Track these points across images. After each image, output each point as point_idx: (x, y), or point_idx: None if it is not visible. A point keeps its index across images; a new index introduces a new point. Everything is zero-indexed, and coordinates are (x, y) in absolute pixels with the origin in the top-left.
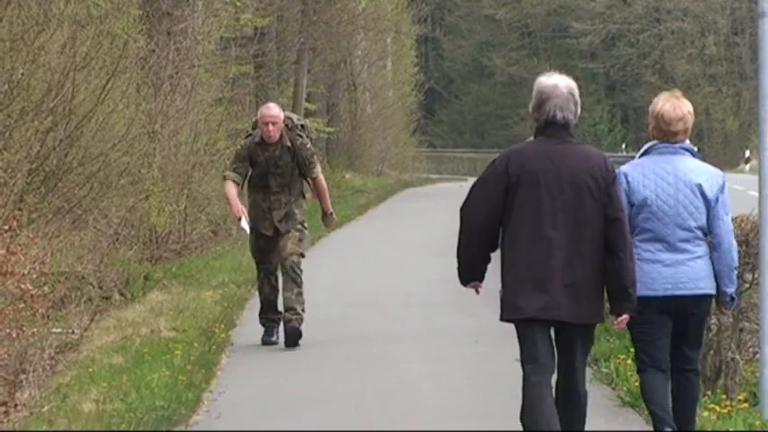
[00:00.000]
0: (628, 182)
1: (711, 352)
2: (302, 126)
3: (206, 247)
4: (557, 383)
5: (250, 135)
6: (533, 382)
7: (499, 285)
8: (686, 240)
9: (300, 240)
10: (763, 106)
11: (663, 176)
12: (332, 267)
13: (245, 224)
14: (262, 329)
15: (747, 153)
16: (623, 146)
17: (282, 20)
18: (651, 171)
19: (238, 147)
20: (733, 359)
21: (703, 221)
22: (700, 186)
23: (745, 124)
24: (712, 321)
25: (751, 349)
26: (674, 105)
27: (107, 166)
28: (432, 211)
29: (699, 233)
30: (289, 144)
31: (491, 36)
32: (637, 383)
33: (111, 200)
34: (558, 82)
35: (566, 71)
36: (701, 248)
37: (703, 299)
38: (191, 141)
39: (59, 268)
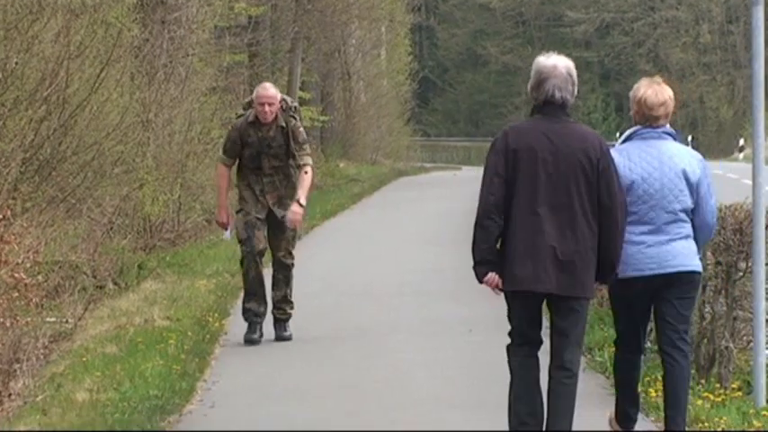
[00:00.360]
0: (622, 162)
1: (705, 340)
2: (295, 108)
3: (200, 236)
4: (550, 361)
5: (242, 115)
6: (520, 357)
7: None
8: (670, 222)
9: (293, 238)
10: (756, 95)
11: (648, 161)
12: (326, 256)
13: (227, 234)
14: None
15: (741, 141)
16: (617, 134)
17: (276, 9)
18: (637, 156)
19: (230, 127)
20: (727, 348)
21: (687, 204)
22: (684, 170)
23: (739, 113)
24: (706, 310)
25: (745, 338)
26: (655, 91)
27: (101, 155)
28: (426, 200)
29: (683, 215)
30: (283, 124)
31: (485, 25)
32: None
33: (105, 189)
34: (557, 62)
35: None
36: (685, 229)
37: (690, 275)
38: (185, 130)
39: (53, 257)
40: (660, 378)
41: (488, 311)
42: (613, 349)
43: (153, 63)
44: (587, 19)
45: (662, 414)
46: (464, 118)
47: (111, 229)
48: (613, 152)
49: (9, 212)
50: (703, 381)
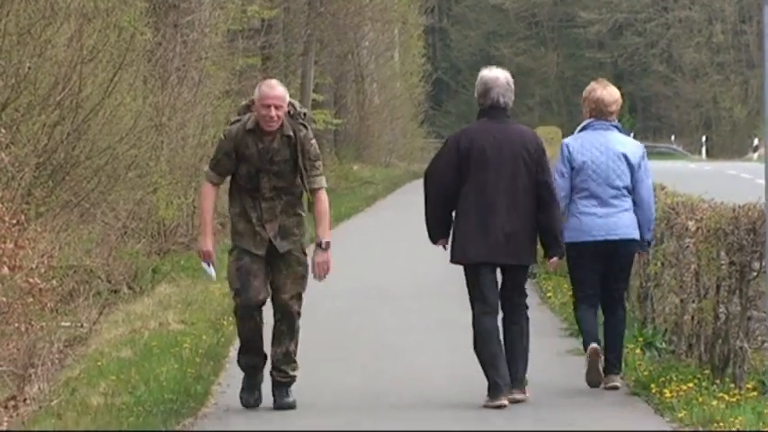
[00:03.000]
0: (569, 150)
1: (720, 341)
2: (305, 115)
3: (214, 239)
4: (503, 317)
5: (237, 121)
6: (482, 320)
7: None
8: (615, 197)
9: (303, 277)
10: None
11: (596, 146)
12: (341, 258)
13: (210, 270)
14: (270, 321)
15: (756, 141)
16: (631, 135)
17: (289, 11)
18: (588, 142)
19: (221, 135)
20: (741, 348)
21: (628, 182)
22: (625, 155)
23: (753, 112)
24: (720, 310)
25: (759, 338)
26: (609, 92)
27: (114, 159)
28: None
29: (625, 191)
30: (290, 134)
31: (498, 26)
32: (646, 372)
33: (118, 193)
34: (498, 74)
35: (573, 61)
36: (627, 203)
37: (629, 242)
38: (198, 134)
39: (68, 262)
40: (675, 378)
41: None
42: (628, 349)
43: (166, 67)
44: (600, 20)
45: (677, 414)
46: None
47: (126, 233)
48: (569, 139)
49: (23, 217)
50: (718, 381)
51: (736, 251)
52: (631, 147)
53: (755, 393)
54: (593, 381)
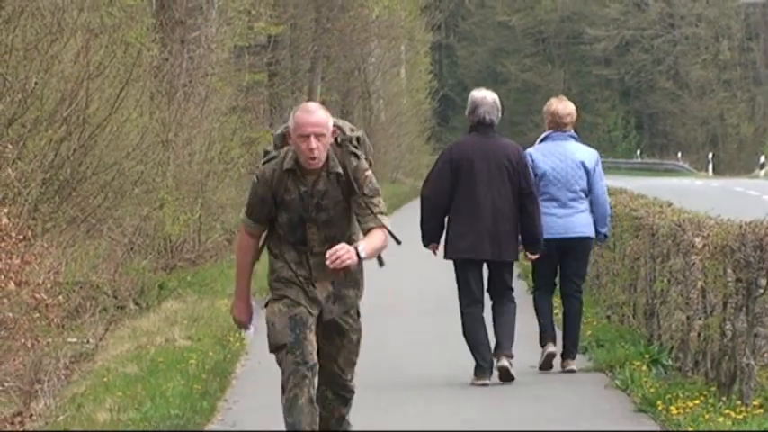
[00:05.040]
0: (533, 160)
1: (726, 358)
2: (358, 140)
3: (221, 255)
4: (492, 304)
5: (272, 158)
6: (468, 309)
7: None
8: (573, 200)
9: (357, 343)
10: None
11: (556, 155)
12: None
13: (247, 333)
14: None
15: (762, 158)
16: (638, 152)
17: (296, 28)
18: (549, 152)
19: (254, 178)
20: (748, 365)
21: (584, 185)
22: (582, 162)
23: (759, 129)
24: (727, 327)
25: (766, 355)
26: (564, 105)
27: (121, 175)
28: None
29: (582, 194)
30: (339, 170)
31: (505, 43)
32: (652, 389)
33: (125, 209)
34: (486, 95)
35: (580, 77)
36: (584, 205)
37: (585, 239)
38: (205, 150)
39: (74, 278)
40: (681, 395)
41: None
42: (634, 366)
43: (172, 83)
44: (607, 36)
45: (683, 429)
46: None
47: (132, 249)
48: (532, 150)
49: (30, 233)
50: (725, 398)
51: (743, 268)
52: (587, 154)
53: (762, 410)
54: (544, 368)
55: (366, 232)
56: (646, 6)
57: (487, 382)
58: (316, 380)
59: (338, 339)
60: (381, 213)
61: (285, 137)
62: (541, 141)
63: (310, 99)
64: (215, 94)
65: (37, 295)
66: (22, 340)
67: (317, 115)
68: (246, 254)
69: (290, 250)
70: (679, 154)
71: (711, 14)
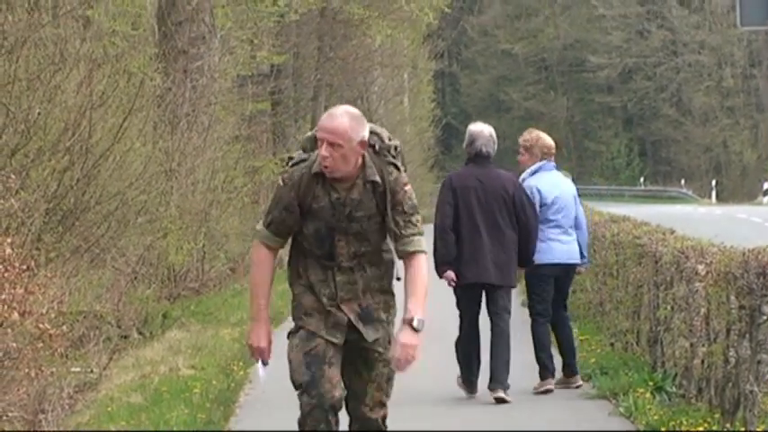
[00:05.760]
0: (539, 190)
1: (730, 384)
2: (396, 149)
3: (224, 284)
4: (491, 326)
5: (301, 161)
6: (467, 327)
7: None
8: (571, 227)
9: (389, 380)
10: None
11: (555, 185)
12: None
13: (262, 372)
14: (281, 365)
15: (766, 185)
16: (641, 179)
17: (299, 57)
18: (549, 182)
19: (279, 181)
20: (751, 391)
21: (575, 213)
22: (573, 192)
23: (762, 156)
24: (731, 354)
25: None
26: (551, 139)
27: (124, 204)
28: None
29: (573, 222)
30: (376, 179)
31: (508, 71)
32: (656, 416)
33: (128, 238)
34: (483, 128)
35: (583, 105)
36: (575, 234)
37: (575, 266)
38: (208, 179)
39: (78, 307)
40: (685, 422)
41: (515, 357)
42: (638, 393)
43: (175, 112)
44: (610, 64)
45: None
46: None
47: (136, 278)
48: (534, 181)
49: (33, 263)
50: (728, 425)
51: (746, 295)
52: (571, 183)
53: None
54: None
55: (404, 256)
56: (648, 34)
57: (476, 393)
58: (337, 417)
59: (365, 372)
60: (420, 234)
61: (315, 140)
62: (535, 172)
63: (313, 128)
64: (218, 123)
65: (41, 325)
66: (26, 370)
67: (337, 122)
68: (263, 269)
69: (314, 266)
70: (682, 181)
71: (714, 42)
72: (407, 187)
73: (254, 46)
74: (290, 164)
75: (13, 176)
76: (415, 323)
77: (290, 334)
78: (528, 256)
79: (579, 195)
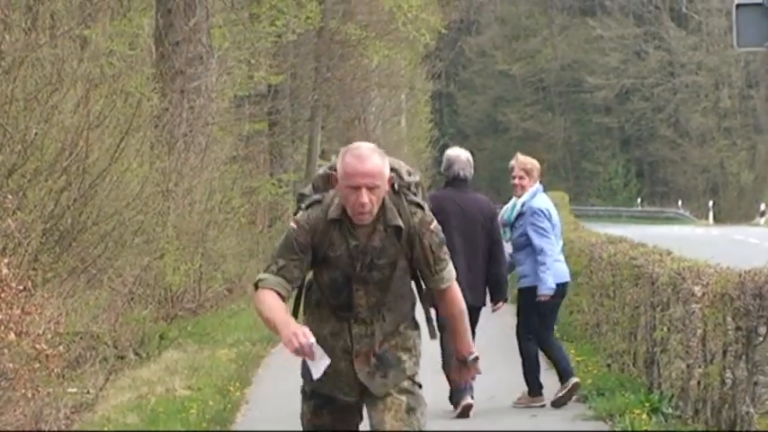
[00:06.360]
0: (550, 213)
1: (726, 406)
2: (417, 186)
3: (221, 305)
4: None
5: (314, 202)
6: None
7: None
8: (562, 248)
9: (411, 410)
10: None
11: (554, 207)
12: None
13: (321, 362)
14: (278, 386)
15: (763, 206)
16: (639, 200)
17: (296, 77)
18: (550, 203)
19: (291, 226)
20: (748, 413)
21: None
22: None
23: (760, 177)
24: (727, 375)
25: (766, 403)
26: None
27: (121, 224)
28: None
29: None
30: (398, 223)
31: (505, 91)
32: None
33: (125, 259)
34: (460, 153)
35: (580, 126)
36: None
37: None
38: (205, 200)
39: (74, 328)
40: None
41: (511, 376)
42: (635, 414)
43: (173, 132)
44: (607, 85)
45: None
46: (485, 185)
47: (132, 299)
48: (541, 203)
49: (30, 283)
50: None
51: (743, 316)
52: None
53: None
54: (562, 404)
55: (444, 295)
56: (646, 55)
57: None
58: None
59: (380, 402)
60: (450, 267)
61: (328, 179)
62: (534, 194)
63: (311, 148)
64: (215, 143)
65: (37, 346)
66: (23, 390)
67: (370, 163)
68: (272, 297)
69: (328, 318)
70: (680, 202)
71: (711, 62)
72: (433, 225)
73: (252, 66)
74: (302, 204)
75: (9, 197)
76: (470, 360)
77: (302, 393)
78: (500, 285)
79: (576, 216)
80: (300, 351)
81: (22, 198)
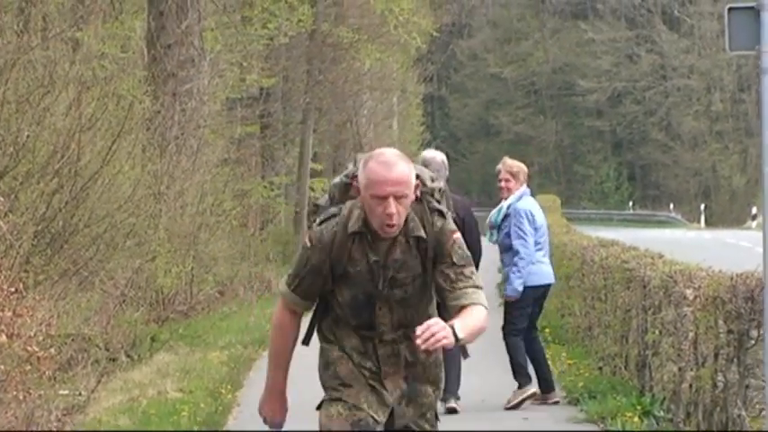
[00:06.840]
0: (532, 215)
1: (718, 409)
2: (441, 192)
3: (213, 307)
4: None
5: (331, 215)
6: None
7: None
8: (547, 251)
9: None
10: (766, 163)
11: (540, 210)
12: None
13: None
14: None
15: (754, 210)
16: (630, 203)
17: (288, 80)
18: (535, 207)
19: (306, 241)
20: (739, 416)
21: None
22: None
23: (751, 181)
24: (719, 378)
25: (757, 406)
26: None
27: (113, 227)
28: None
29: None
30: (421, 233)
31: (497, 94)
32: None
33: (117, 261)
34: (435, 155)
35: (572, 129)
36: None
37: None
38: (197, 202)
39: (66, 330)
40: None
41: (503, 380)
42: (626, 417)
43: (164, 135)
44: (599, 88)
45: None
46: (477, 188)
47: (124, 301)
48: (525, 205)
49: (21, 285)
50: None
51: (734, 319)
52: None
53: None
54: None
55: (457, 311)
56: (638, 58)
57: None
58: None
59: None
60: (476, 287)
61: (347, 188)
62: (520, 197)
63: (302, 151)
64: (207, 146)
65: (29, 348)
66: (14, 393)
67: (398, 170)
68: (285, 335)
69: (350, 336)
70: (671, 205)
71: (703, 66)
72: (456, 235)
73: (244, 69)
74: (317, 218)
75: (1, 199)
76: (456, 328)
77: (325, 402)
78: None
79: (568, 219)
80: (268, 425)
81: (14, 200)
